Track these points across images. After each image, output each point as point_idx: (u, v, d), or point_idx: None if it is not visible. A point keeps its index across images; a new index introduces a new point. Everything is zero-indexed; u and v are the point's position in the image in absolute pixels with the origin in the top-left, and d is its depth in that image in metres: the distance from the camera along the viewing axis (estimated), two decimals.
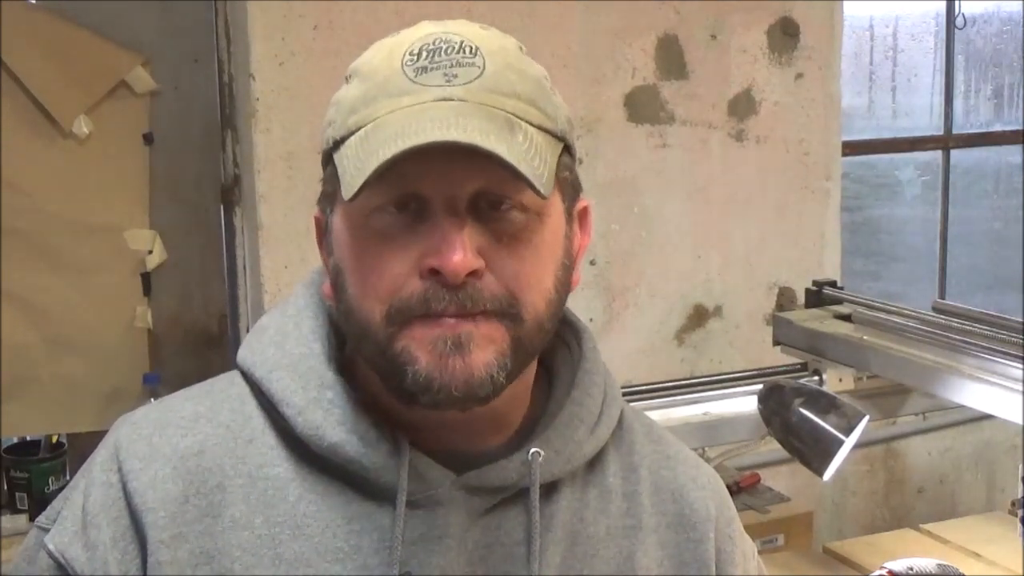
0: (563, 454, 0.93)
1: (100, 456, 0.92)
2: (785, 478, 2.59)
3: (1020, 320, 2.03)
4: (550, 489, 0.93)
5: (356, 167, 0.83)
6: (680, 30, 2.80)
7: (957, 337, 2.00)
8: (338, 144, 0.87)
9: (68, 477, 2.45)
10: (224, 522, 0.88)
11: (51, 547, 0.90)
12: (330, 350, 0.93)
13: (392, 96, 0.85)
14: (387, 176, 0.82)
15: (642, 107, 2.79)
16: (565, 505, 0.94)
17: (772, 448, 2.09)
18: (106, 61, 2.46)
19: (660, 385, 2.28)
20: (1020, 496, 2.27)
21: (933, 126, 3.77)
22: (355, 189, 0.82)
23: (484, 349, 0.84)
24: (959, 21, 3.60)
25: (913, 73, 3.97)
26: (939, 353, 2.00)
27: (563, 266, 0.90)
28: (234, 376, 0.96)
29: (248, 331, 0.98)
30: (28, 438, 2.57)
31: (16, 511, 2.43)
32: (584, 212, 0.95)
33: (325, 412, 0.89)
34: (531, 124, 0.86)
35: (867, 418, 1.97)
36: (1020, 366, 1.84)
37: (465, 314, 0.84)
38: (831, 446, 1.94)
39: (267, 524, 0.88)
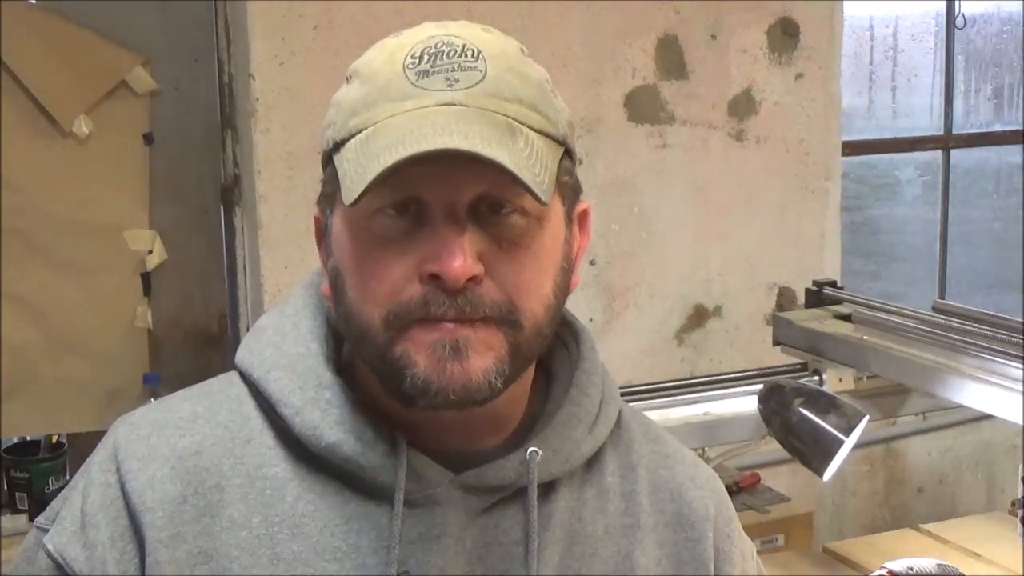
0: (561, 453, 0.93)
1: (99, 456, 0.93)
2: (785, 478, 2.59)
3: (1020, 320, 2.03)
4: (548, 488, 0.93)
5: (357, 171, 0.83)
6: (680, 30, 2.80)
7: (957, 337, 2.00)
8: (338, 146, 0.87)
9: (68, 477, 2.45)
10: (222, 522, 0.88)
11: (50, 547, 0.90)
12: (328, 350, 0.94)
13: (393, 100, 0.85)
14: (388, 180, 0.82)
15: (642, 107, 2.79)
16: (563, 504, 0.94)
17: (772, 448, 2.09)
18: (106, 61, 2.46)
19: (660, 385, 2.28)
20: (1020, 496, 2.27)
21: (933, 126, 3.77)
22: (356, 194, 0.82)
23: (482, 355, 0.84)
24: (959, 21, 3.60)
25: (913, 73, 3.97)
26: (939, 353, 2.00)
27: (562, 270, 0.90)
28: (232, 376, 0.96)
29: (248, 331, 0.98)
30: (28, 438, 2.57)
31: (16, 511, 2.43)
32: (584, 214, 0.95)
33: (323, 412, 0.89)
34: (532, 129, 0.86)
35: (867, 418, 1.97)
36: (1020, 366, 1.84)
37: (464, 319, 0.84)
38: (831, 446, 1.94)
39: (265, 524, 0.88)
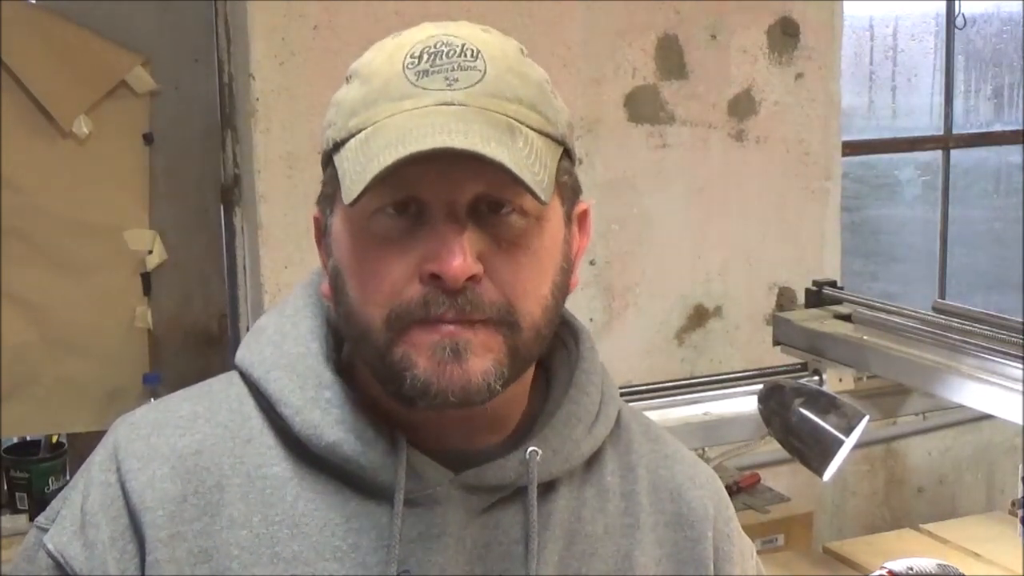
0: (560, 453, 0.93)
1: (99, 456, 0.93)
2: (785, 478, 2.59)
3: (1020, 320, 2.03)
4: (548, 488, 0.93)
5: (357, 171, 0.83)
6: (680, 30, 2.80)
7: (957, 337, 2.00)
8: (338, 146, 0.87)
9: (68, 477, 2.45)
10: (222, 521, 0.88)
11: (50, 546, 0.90)
12: (328, 350, 0.94)
13: (393, 99, 0.85)
14: (387, 179, 0.82)
15: (642, 107, 2.79)
16: (563, 504, 0.94)
17: (772, 448, 2.09)
18: (106, 61, 2.46)
19: (660, 385, 2.28)
20: (1020, 496, 2.27)
21: (933, 126, 3.77)
22: (356, 194, 0.82)
23: (482, 357, 0.85)
24: (959, 21, 3.60)
25: (913, 73, 3.97)
26: (939, 353, 2.00)
27: (561, 270, 0.90)
28: (232, 376, 0.96)
29: (248, 331, 0.98)
30: (28, 438, 2.57)
31: (16, 511, 2.43)
32: (584, 214, 0.95)
33: (323, 412, 0.89)
34: (532, 129, 0.86)
35: (867, 418, 1.97)
36: (1020, 366, 1.84)
37: (464, 319, 0.84)
38: (831, 446, 1.94)
39: (265, 523, 0.88)
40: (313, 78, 2.43)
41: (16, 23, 2.38)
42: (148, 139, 2.52)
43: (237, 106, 2.53)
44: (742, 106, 2.89)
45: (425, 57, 0.86)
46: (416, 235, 0.84)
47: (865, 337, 2.14)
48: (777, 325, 2.32)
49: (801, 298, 2.60)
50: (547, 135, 0.87)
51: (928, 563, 1.97)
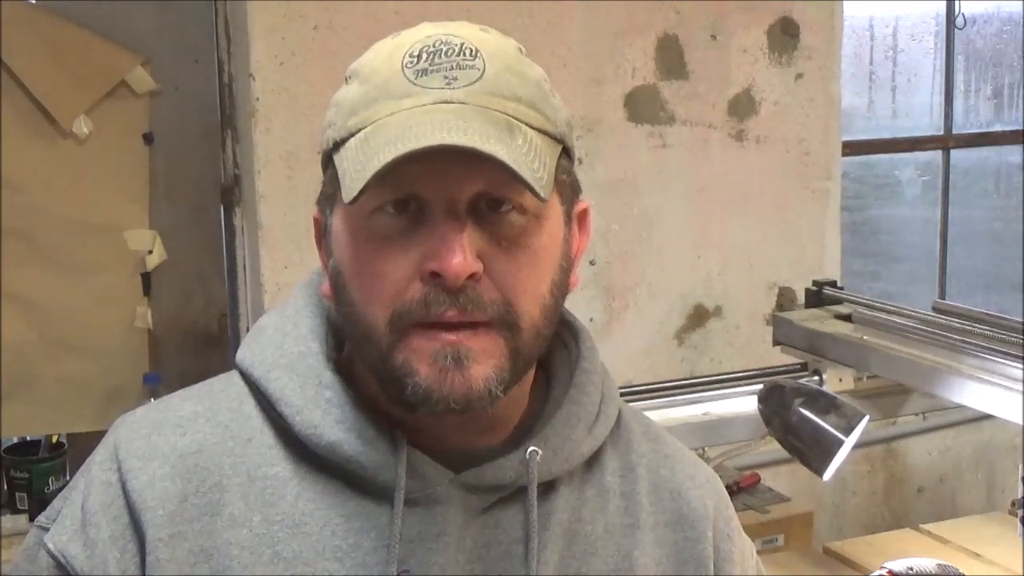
0: (561, 453, 0.93)
1: (99, 456, 0.93)
2: (785, 478, 2.59)
3: (1020, 320, 2.03)
4: (548, 488, 0.93)
5: (356, 169, 0.83)
6: (680, 30, 2.80)
7: (957, 337, 2.00)
8: (338, 145, 0.87)
9: (68, 477, 2.44)
10: (223, 520, 0.88)
11: (51, 546, 0.90)
12: (328, 350, 0.94)
13: (392, 98, 0.85)
14: (387, 178, 0.82)
15: (642, 107, 2.79)
16: (563, 504, 0.94)
17: (772, 448, 2.09)
18: (106, 61, 2.46)
19: (660, 385, 2.28)
20: (1020, 496, 2.27)
21: (933, 126, 3.77)
22: (355, 192, 0.82)
23: (483, 363, 0.85)
24: (959, 21, 3.60)
25: (913, 73, 3.97)
26: (939, 353, 2.00)
27: (561, 269, 0.90)
28: (233, 376, 0.96)
29: (248, 331, 0.99)
30: (28, 438, 2.57)
31: (16, 511, 2.43)
32: (583, 213, 0.95)
33: (323, 411, 0.89)
34: (531, 127, 0.86)
35: (867, 418, 1.97)
36: (1020, 366, 1.84)
37: (465, 318, 0.84)
38: (831, 446, 1.94)
39: (265, 522, 0.89)
40: (313, 78, 2.43)
41: (16, 23, 2.38)
42: (148, 139, 2.52)
43: (237, 106, 2.53)
44: (742, 106, 2.89)
45: (424, 56, 0.86)
46: (416, 233, 0.85)
47: (865, 337, 2.14)
48: (777, 325, 2.32)
49: (801, 298, 2.60)
50: (546, 133, 0.87)
51: (928, 563, 1.97)
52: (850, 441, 1.93)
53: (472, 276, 0.84)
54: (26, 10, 2.41)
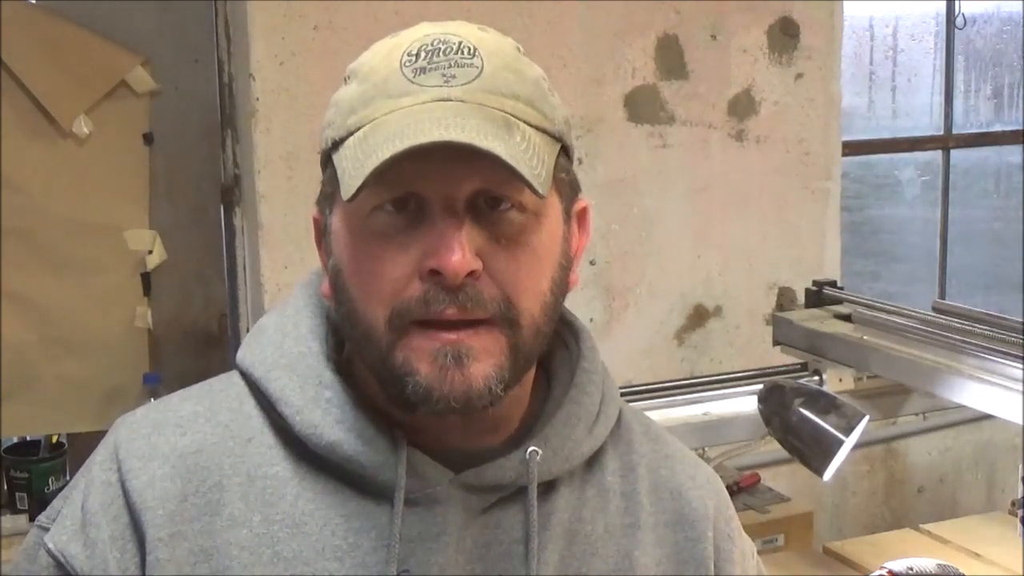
0: (561, 453, 0.93)
1: (99, 455, 0.93)
2: (785, 478, 2.59)
3: (1020, 320, 2.03)
4: (548, 488, 0.93)
5: (355, 167, 0.83)
6: (680, 30, 2.80)
7: (957, 337, 2.00)
8: (337, 145, 0.87)
9: (68, 477, 2.44)
10: (223, 520, 0.88)
11: (51, 545, 0.90)
12: (328, 349, 0.94)
13: (391, 96, 0.85)
14: (386, 176, 0.82)
15: (642, 107, 2.79)
16: (563, 504, 0.94)
17: (772, 448, 2.09)
18: (106, 61, 2.46)
19: (660, 385, 2.28)
20: (1020, 496, 2.27)
21: (933, 126, 3.77)
22: (354, 189, 0.82)
23: (483, 362, 0.85)
24: (959, 21, 3.60)
25: (913, 73, 3.97)
26: (939, 353, 2.00)
27: (560, 267, 0.90)
28: (233, 376, 0.96)
29: (248, 331, 0.99)
30: (28, 438, 2.57)
31: (16, 511, 2.43)
32: (583, 212, 0.95)
33: (323, 411, 0.89)
34: (529, 124, 0.86)
35: (867, 418, 1.97)
36: (1020, 366, 1.84)
37: (465, 316, 0.84)
38: (831, 446, 1.94)
39: (265, 522, 0.89)
40: (313, 78, 2.43)
41: (16, 23, 2.38)
42: (148, 139, 2.52)
43: (237, 106, 2.53)
44: (742, 106, 2.89)
45: (422, 55, 0.86)
46: (415, 231, 0.85)
47: (865, 337, 2.14)
48: (777, 325, 2.32)
49: (801, 298, 2.60)
50: (544, 131, 0.87)
51: (928, 563, 1.96)
52: (850, 441, 1.93)
53: (471, 274, 0.84)
54: (26, 10, 2.41)
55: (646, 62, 2.78)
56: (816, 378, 2.21)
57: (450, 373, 0.84)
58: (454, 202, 0.84)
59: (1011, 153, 4.13)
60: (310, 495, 0.89)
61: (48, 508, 0.95)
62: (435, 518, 0.89)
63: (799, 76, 2.94)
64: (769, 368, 2.27)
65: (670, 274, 2.87)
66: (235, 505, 0.89)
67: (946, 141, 3.68)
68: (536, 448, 0.91)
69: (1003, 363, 1.87)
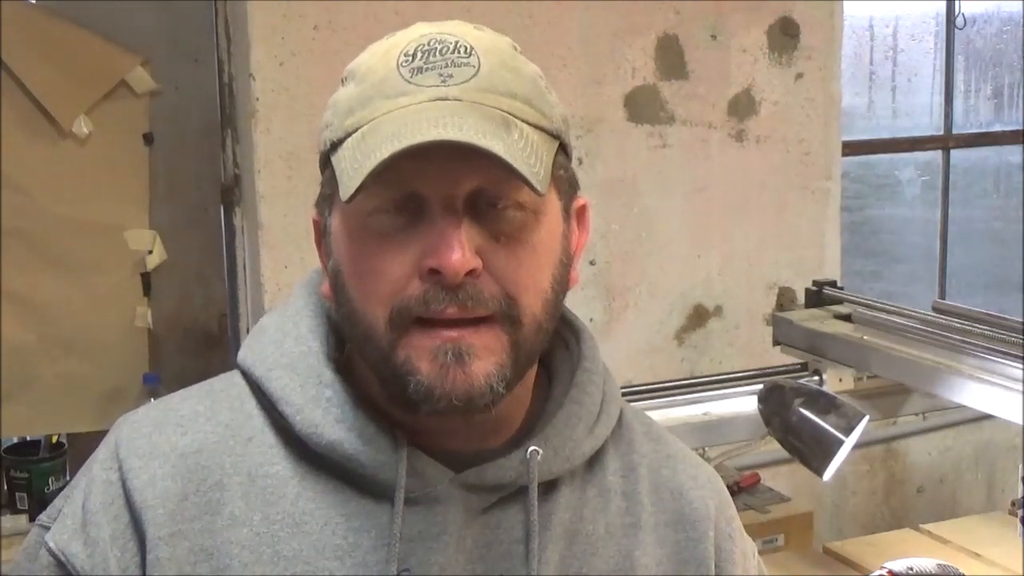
0: (561, 453, 0.93)
1: (100, 455, 0.93)
2: (785, 478, 2.59)
3: (1020, 320, 2.03)
4: (549, 488, 0.93)
5: (353, 168, 0.83)
6: (680, 30, 2.80)
7: (957, 337, 2.00)
8: (335, 146, 0.87)
9: (68, 477, 2.45)
10: (223, 519, 0.88)
11: (51, 545, 0.90)
12: (329, 349, 0.94)
13: (388, 97, 0.85)
14: (384, 176, 0.82)
15: (642, 107, 2.79)
16: (564, 503, 0.94)
17: (772, 448, 2.09)
18: (106, 61, 2.46)
19: (660, 385, 2.28)
20: (1020, 496, 2.27)
21: (933, 126, 3.77)
22: (352, 190, 0.82)
23: (484, 360, 0.85)
24: (959, 21, 3.60)
25: (913, 73, 3.97)
26: (939, 353, 2.00)
27: (560, 264, 0.90)
28: (234, 375, 0.96)
29: (248, 331, 0.99)
30: (28, 438, 2.57)
31: (16, 511, 2.43)
32: (582, 210, 0.95)
33: (324, 410, 0.89)
34: (527, 123, 0.86)
35: (867, 418, 1.97)
36: (1020, 366, 1.84)
37: (465, 315, 0.84)
38: (831, 446, 1.94)
39: (266, 521, 0.89)
40: (313, 78, 2.43)
41: (16, 23, 2.38)
42: (148, 139, 2.52)
43: (237, 106, 2.53)
44: (742, 106, 2.89)
45: (419, 55, 0.86)
46: (414, 231, 0.85)
47: (865, 337, 2.14)
48: (777, 325, 2.32)
49: (801, 298, 2.60)
50: (542, 129, 0.88)
51: (928, 563, 1.96)
52: (850, 441, 1.93)
53: (471, 272, 0.84)
54: (26, 10, 2.41)
55: (646, 62, 2.78)
56: (816, 378, 2.21)
57: (451, 371, 0.84)
58: (453, 201, 0.84)
59: (1011, 153, 4.13)
60: (311, 494, 0.89)
61: (49, 507, 0.95)
62: (435, 517, 0.89)
63: (799, 76, 2.94)
64: (769, 368, 2.27)
65: (670, 274, 2.87)
66: (236, 504, 0.89)
67: (946, 141, 3.68)
68: (537, 448, 0.91)
69: (1003, 363, 1.87)
